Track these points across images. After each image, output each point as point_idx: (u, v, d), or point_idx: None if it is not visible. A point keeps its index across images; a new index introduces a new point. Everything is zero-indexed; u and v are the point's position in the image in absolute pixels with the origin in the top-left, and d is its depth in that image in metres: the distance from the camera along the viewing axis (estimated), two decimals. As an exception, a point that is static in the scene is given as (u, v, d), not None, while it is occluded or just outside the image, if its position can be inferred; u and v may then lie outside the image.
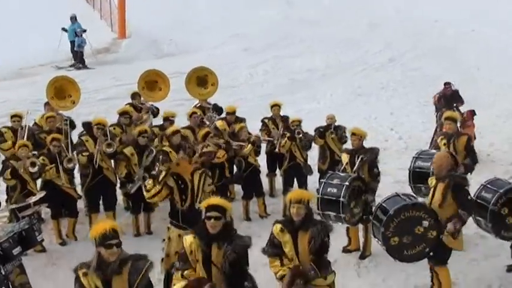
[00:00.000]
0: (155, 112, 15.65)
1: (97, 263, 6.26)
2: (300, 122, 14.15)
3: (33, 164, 11.88)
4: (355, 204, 10.95)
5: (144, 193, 9.64)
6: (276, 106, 14.92)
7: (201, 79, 16.43)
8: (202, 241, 7.10)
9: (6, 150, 13.22)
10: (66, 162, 12.35)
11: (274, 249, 7.92)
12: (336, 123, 14.27)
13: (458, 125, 13.28)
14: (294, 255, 7.80)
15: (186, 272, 7.17)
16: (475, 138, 15.55)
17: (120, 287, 6.29)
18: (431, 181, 9.73)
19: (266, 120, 14.94)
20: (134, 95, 15.76)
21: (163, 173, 9.37)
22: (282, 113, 14.98)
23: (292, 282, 7.57)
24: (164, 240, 9.74)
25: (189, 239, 7.19)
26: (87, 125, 13.51)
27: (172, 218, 9.66)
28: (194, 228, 7.43)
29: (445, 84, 17.88)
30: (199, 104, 15.90)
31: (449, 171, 9.44)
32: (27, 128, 13.71)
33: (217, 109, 15.68)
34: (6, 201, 12.47)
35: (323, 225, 7.90)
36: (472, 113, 16.88)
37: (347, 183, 10.76)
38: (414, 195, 10.71)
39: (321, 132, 14.22)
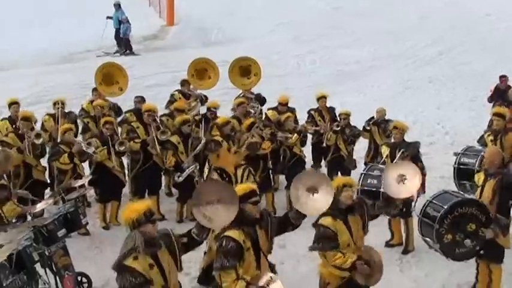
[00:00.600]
0: (204, 100, 15.67)
1: (144, 242, 6.30)
2: (348, 115, 14.05)
3: (89, 145, 12.05)
4: None
5: None
6: (322, 98, 14.72)
7: (244, 69, 16.42)
8: (250, 228, 7.14)
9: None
10: (118, 145, 12.46)
11: (329, 243, 7.83)
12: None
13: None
14: (350, 241, 7.82)
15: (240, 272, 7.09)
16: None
17: (165, 258, 6.45)
18: (479, 177, 9.54)
19: (313, 112, 14.80)
20: (183, 82, 15.88)
21: (206, 171, 9.42)
22: (328, 104, 14.86)
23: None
24: None
25: (236, 233, 7.07)
26: (137, 112, 13.61)
27: None
28: (237, 222, 7.42)
29: (501, 77, 17.55)
30: (242, 94, 15.86)
31: (498, 168, 9.27)
32: (63, 114, 13.84)
33: (260, 99, 15.63)
34: (52, 184, 12.66)
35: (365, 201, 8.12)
36: None
37: None
38: (461, 192, 10.51)
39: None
